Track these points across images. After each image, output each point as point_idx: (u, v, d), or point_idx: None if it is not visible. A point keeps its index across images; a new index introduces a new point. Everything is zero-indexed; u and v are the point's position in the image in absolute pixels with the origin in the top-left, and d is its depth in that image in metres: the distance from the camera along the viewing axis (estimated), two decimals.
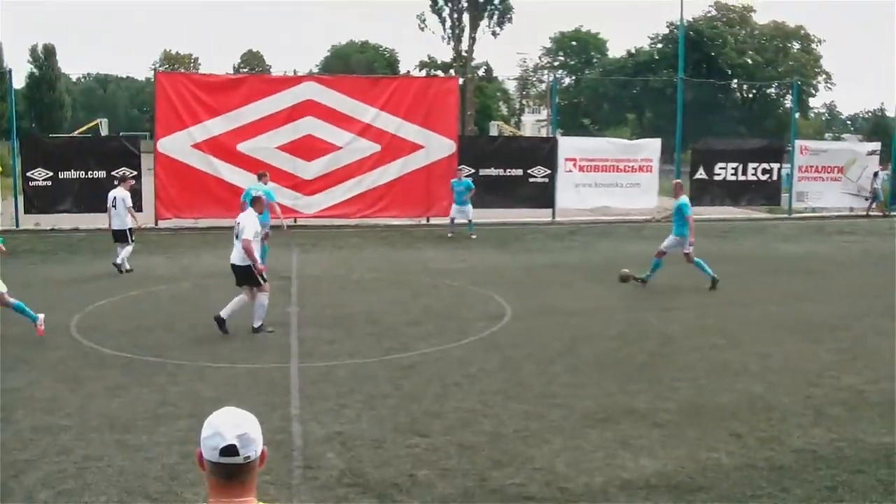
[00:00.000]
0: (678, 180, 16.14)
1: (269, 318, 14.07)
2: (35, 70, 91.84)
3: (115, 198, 19.27)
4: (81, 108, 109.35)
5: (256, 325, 13.64)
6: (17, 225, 26.15)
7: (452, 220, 25.58)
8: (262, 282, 13.52)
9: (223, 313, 13.48)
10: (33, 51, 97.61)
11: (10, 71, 34.73)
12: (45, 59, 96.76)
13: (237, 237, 13.46)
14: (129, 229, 19.43)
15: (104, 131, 56.66)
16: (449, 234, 25.33)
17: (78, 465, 8.20)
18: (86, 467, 8.16)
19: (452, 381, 11.00)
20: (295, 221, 26.96)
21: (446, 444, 8.80)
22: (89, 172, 26.12)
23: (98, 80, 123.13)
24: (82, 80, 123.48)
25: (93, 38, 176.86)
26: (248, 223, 13.43)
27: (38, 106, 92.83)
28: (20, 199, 26.44)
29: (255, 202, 13.89)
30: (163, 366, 11.64)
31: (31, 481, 7.86)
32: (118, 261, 18.83)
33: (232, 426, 3.13)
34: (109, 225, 19.44)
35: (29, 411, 9.75)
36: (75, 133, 34.00)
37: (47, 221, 26.38)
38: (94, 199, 25.43)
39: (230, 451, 3.10)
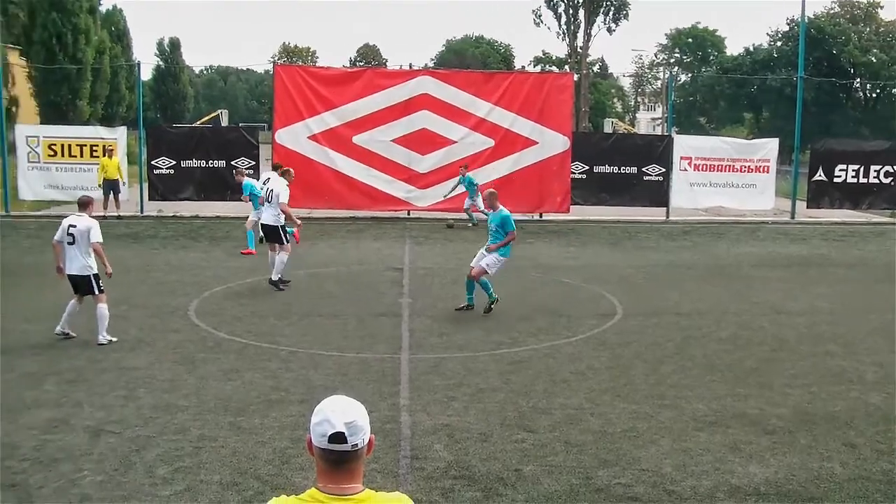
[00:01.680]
0: (492, 190, 14.76)
1: (382, 308, 14.40)
2: (161, 63, 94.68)
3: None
4: (203, 99, 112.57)
5: (274, 278, 15.75)
6: (142, 211, 27.10)
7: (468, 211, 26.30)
8: (285, 242, 15.90)
9: (273, 276, 15.78)
10: (160, 44, 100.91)
11: (138, 64, 36.01)
12: (170, 52, 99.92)
13: (269, 201, 15.98)
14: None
15: (224, 122, 58.11)
16: (470, 225, 25.91)
17: (194, 444, 8.48)
18: (201, 446, 8.44)
19: (561, 378, 10.99)
20: (408, 214, 27.23)
21: (553, 441, 8.80)
22: (210, 162, 26.89)
23: (219, 73, 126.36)
24: (204, 72, 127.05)
25: (215, 31, 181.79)
26: (281, 188, 15.96)
27: (163, 97, 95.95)
28: (145, 186, 27.39)
29: (286, 174, 16.77)
30: (276, 352, 11.93)
31: (150, 457, 8.18)
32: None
33: (340, 414, 3.21)
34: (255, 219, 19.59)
35: (149, 390, 10.15)
36: (197, 123, 35.01)
37: (169, 208, 27.27)
38: (213, 187, 26.13)
39: (338, 438, 3.18)
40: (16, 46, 64.58)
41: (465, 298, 14.63)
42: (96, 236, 12.23)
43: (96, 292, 12.27)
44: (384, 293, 16.24)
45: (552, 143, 27.58)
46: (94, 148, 27.02)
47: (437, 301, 15.43)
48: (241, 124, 52.13)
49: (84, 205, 12.66)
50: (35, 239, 22.46)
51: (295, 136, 26.89)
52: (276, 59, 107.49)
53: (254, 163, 26.89)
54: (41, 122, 52.50)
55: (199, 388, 10.26)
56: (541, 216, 28.15)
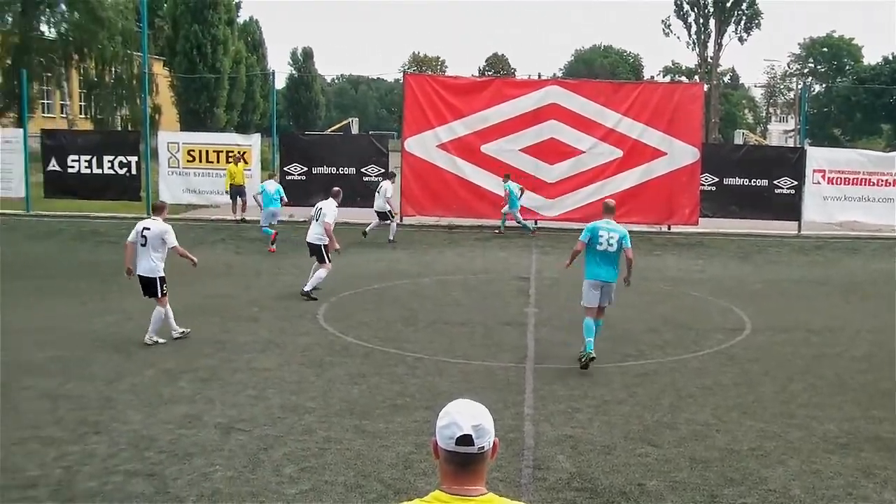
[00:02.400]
0: (610, 200, 13.35)
1: (507, 317, 14.47)
2: (294, 72, 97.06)
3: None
4: (334, 107, 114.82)
5: (307, 289, 15.92)
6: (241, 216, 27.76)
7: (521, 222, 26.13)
8: (327, 261, 16.12)
9: (307, 287, 15.91)
10: (293, 54, 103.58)
11: (272, 73, 37.13)
12: (303, 61, 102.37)
13: (316, 220, 16.15)
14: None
15: (354, 130, 59.11)
16: (531, 234, 25.89)
17: (319, 446, 8.66)
18: (326, 448, 8.61)
19: (687, 393, 10.80)
20: (535, 223, 27.19)
21: (678, 457, 8.65)
22: (340, 168, 27.38)
23: (350, 82, 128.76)
24: (336, 81, 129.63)
25: (347, 42, 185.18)
26: (329, 209, 16.17)
27: (296, 105, 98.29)
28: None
29: (336, 195, 16.77)
30: (402, 358, 12.08)
31: (278, 455, 8.39)
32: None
33: (468, 416, 3.25)
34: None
35: (278, 391, 10.42)
36: (328, 131, 35.69)
37: (301, 213, 27.85)
38: (343, 193, 26.59)
39: (466, 440, 3.21)
40: (160, 57, 67.22)
41: (583, 343, 11.98)
42: (172, 241, 12.72)
43: (159, 295, 12.70)
44: (510, 302, 16.27)
45: (681, 154, 27.13)
46: (230, 154, 27.88)
47: (562, 311, 15.35)
48: (370, 132, 53.01)
49: (158, 209, 13.19)
50: (237, 241, 23.38)
51: (424, 145, 27.17)
52: (406, 68, 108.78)
53: (383, 170, 27.29)
54: (181, 129, 54.50)
55: (325, 391, 10.47)
56: (669, 228, 27.73)
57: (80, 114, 63.64)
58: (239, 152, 27.83)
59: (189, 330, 13.01)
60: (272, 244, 22.22)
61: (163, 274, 12.77)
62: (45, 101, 63.61)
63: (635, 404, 10.27)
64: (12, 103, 52.83)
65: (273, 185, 23.77)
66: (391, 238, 23.75)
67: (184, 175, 28.16)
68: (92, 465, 8.11)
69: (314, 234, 16.20)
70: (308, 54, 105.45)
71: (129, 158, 28.68)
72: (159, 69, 63.34)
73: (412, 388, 10.66)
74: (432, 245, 23.54)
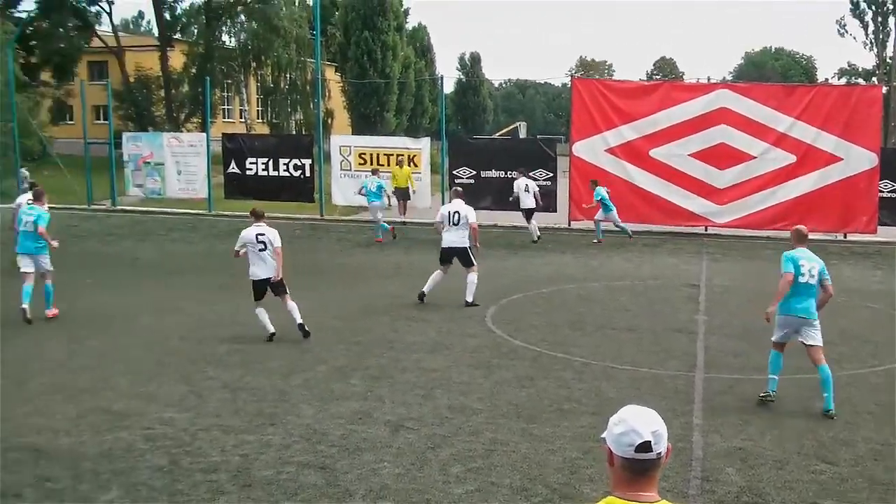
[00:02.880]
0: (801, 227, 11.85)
1: (677, 324, 14.24)
2: (462, 76, 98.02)
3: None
4: (502, 111, 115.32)
5: (469, 299, 15.62)
6: None
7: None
8: (474, 262, 15.79)
9: (468, 298, 15.61)
10: (461, 59, 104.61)
11: (441, 78, 37.60)
12: (471, 66, 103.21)
13: (456, 224, 15.63)
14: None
15: (522, 134, 59.19)
16: (629, 238, 24.94)
17: (486, 447, 8.73)
18: (493, 450, 8.67)
19: (865, 409, 10.33)
20: (706, 230, 26.60)
21: (855, 476, 8.29)
22: (508, 172, 27.46)
23: (518, 86, 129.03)
24: (503, 85, 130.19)
25: (514, 46, 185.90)
26: (471, 211, 15.87)
27: (464, 109, 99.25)
28: (446, 195, 28.40)
29: (462, 195, 16.30)
30: (569, 362, 12.03)
31: (445, 455, 8.51)
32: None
33: (646, 423, 3.24)
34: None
35: (446, 391, 10.56)
36: (496, 135, 35.88)
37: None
38: (511, 197, 26.69)
39: (645, 447, 3.21)
40: (332, 63, 69.09)
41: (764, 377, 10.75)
42: (279, 243, 13.37)
43: (287, 291, 13.30)
44: (679, 309, 15.97)
45: (858, 159, 25.94)
46: (400, 157, 28.39)
47: (733, 319, 14.97)
48: (538, 136, 52.97)
49: (260, 216, 13.73)
50: (344, 242, 24.01)
51: (592, 149, 26.96)
52: (574, 72, 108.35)
53: (552, 174, 27.26)
54: (353, 133, 55.88)
55: (493, 393, 10.53)
56: (845, 236, 26.56)
57: (258, 118, 66.16)
58: (409, 156, 28.33)
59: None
60: (384, 235, 24.23)
61: (280, 275, 13.29)
62: (226, 107, 66.49)
63: (809, 419, 9.90)
64: (197, 109, 55.47)
65: (374, 182, 24.98)
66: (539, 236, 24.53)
67: (355, 178, 28.85)
68: (267, 455, 8.44)
69: (457, 238, 15.75)
70: (476, 59, 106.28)
71: (304, 161, 29.65)
72: (331, 75, 65.17)
73: (579, 393, 10.61)
74: (600, 250, 23.34)
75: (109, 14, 62.27)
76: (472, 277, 15.76)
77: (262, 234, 13.27)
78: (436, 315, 14.90)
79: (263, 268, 13.25)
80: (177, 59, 59.89)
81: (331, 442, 8.81)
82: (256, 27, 57.29)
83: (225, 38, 60.55)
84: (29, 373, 11.26)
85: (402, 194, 27.75)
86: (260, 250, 13.20)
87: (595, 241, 24.42)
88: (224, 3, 58.91)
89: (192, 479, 7.86)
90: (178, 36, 62.79)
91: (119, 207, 32.49)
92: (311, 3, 60.36)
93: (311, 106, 52.88)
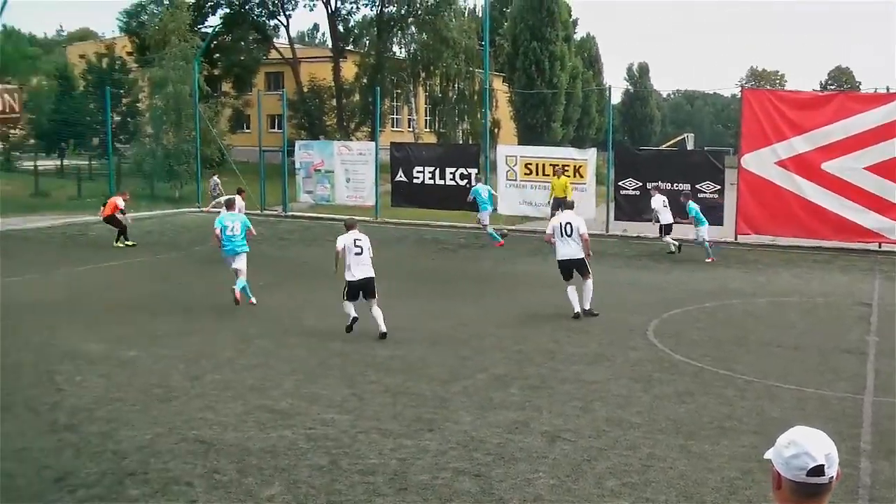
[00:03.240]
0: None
1: (846, 344, 13.69)
2: (630, 87, 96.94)
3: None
4: (669, 122, 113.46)
5: (588, 307, 15.59)
6: (607, 230, 27.86)
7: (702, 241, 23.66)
8: (590, 271, 15.83)
9: (586, 305, 15.58)
10: (629, 69, 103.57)
11: (609, 88, 37.27)
12: (639, 76, 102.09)
13: (569, 235, 15.58)
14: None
15: (689, 145, 57.99)
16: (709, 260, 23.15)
17: (643, 462, 8.57)
18: (650, 465, 8.51)
19: None
20: (879, 247, 25.38)
21: None
22: (675, 184, 26.94)
23: (686, 97, 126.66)
24: (671, 96, 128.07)
25: (683, 56, 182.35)
26: (581, 221, 15.93)
27: (631, 120, 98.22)
28: (611, 206, 28.17)
29: (570, 205, 16.70)
30: (731, 379, 11.69)
31: (601, 468, 8.40)
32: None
33: (818, 445, 3.14)
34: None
35: (604, 404, 10.43)
36: (663, 146, 35.28)
37: (634, 229, 27.78)
38: (673, 209, 26.19)
39: (818, 471, 3.11)
40: (500, 74, 69.49)
41: None
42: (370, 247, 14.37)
43: (376, 296, 13.95)
44: (849, 329, 15.28)
45: None
46: (562, 167, 28.26)
47: None
48: (706, 148, 51.81)
49: (351, 227, 14.41)
50: (509, 251, 24.06)
51: (761, 162, 26.13)
52: (744, 83, 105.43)
53: (719, 187, 26.60)
54: (519, 143, 56.05)
55: (651, 408, 10.35)
56: None
57: (425, 128, 67.20)
58: (574, 166, 28.16)
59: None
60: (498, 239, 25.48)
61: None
62: (395, 116, 67.77)
63: None
64: (366, 118, 56.80)
65: (486, 189, 26.00)
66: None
67: (520, 187, 28.92)
68: (424, 460, 8.54)
69: (573, 249, 15.69)
70: (644, 69, 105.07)
71: (470, 170, 29.90)
72: (499, 85, 65.55)
73: (741, 412, 10.28)
74: (768, 265, 22.59)
75: (287, 27, 64.65)
76: (590, 284, 15.80)
77: (359, 240, 14.17)
78: (597, 327, 14.76)
79: (362, 270, 14.03)
80: (349, 70, 61.56)
81: (487, 450, 8.84)
82: (426, 38, 58.28)
83: (395, 48, 61.90)
84: (202, 369, 11.78)
85: (560, 204, 27.66)
86: (356, 254, 14.01)
87: (707, 259, 23.24)
88: (395, 15, 60.21)
89: (349, 480, 8.03)
90: (350, 47, 64.57)
91: (289, 213, 33.60)
92: (480, 15, 61.02)
93: (479, 116, 53.38)
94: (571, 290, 15.72)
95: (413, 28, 60.46)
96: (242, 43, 61.91)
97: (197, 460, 8.47)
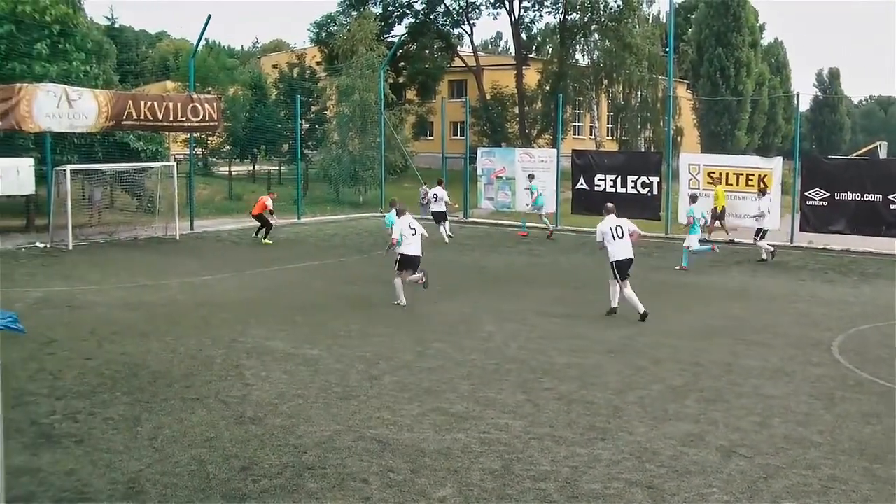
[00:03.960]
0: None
1: None
2: (819, 93, 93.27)
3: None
4: (860, 130, 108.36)
5: (642, 310, 15.75)
6: (791, 241, 26.88)
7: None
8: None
9: (641, 310, 15.76)
10: (818, 75, 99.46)
11: (797, 95, 35.95)
12: (829, 82, 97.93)
13: (621, 237, 15.97)
14: None
15: (882, 154, 55.18)
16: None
17: (823, 484, 8.23)
18: (830, 487, 8.17)
19: None
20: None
21: None
22: (864, 195, 25.71)
23: (879, 103, 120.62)
24: (864, 102, 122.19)
25: (877, 60, 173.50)
26: (630, 222, 16.47)
27: (819, 128, 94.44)
28: (797, 216, 27.16)
29: (612, 210, 16.67)
30: None
31: (778, 487, 8.12)
32: None
33: None
34: None
35: (784, 420, 10.09)
36: (853, 155, 33.78)
37: (820, 240, 26.69)
38: (867, 221, 25.02)
39: None
40: (683, 80, 68.18)
41: None
42: (423, 230, 17.62)
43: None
44: None
45: None
46: (750, 177, 27.45)
47: None
48: None
49: (403, 211, 17.47)
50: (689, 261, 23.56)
51: None
52: None
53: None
54: (702, 151, 54.85)
55: (834, 427, 9.93)
56: None
57: (607, 135, 66.63)
58: (759, 175, 27.30)
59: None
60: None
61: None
62: (576, 124, 67.49)
63: None
64: (548, 125, 56.85)
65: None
66: None
67: (704, 196, 28.26)
68: (596, 469, 8.49)
69: (628, 249, 16.08)
70: (834, 75, 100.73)
71: (651, 178, 29.45)
72: (682, 92, 64.31)
73: None
74: None
75: (471, 36, 65.46)
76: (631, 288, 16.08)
77: (413, 223, 17.31)
78: (778, 340, 14.28)
79: (416, 248, 17.16)
80: (531, 77, 61.75)
81: (660, 462, 8.71)
82: (609, 45, 57.82)
83: (578, 55, 61.67)
84: (380, 370, 12.08)
85: (721, 215, 27.84)
86: (412, 235, 17.12)
87: (677, 267, 22.50)
88: (578, 22, 59.99)
89: (521, 486, 8.08)
90: (533, 54, 64.76)
91: (470, 219, 33.99)
92: (664, 21, 60.04)
93: (661, 123, 52.56)
94: (628, 291, 15.93)
95: (596, 35, 60.12)
96: (427, 51, 63.13)
97: (373, 458, 8.71)
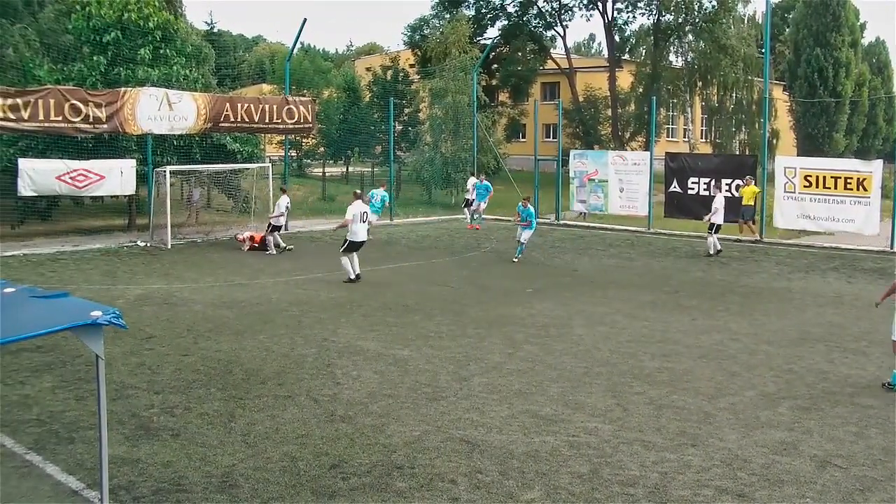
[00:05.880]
0: None
1: None
2: None
3: None
4: None
5: None
6: (892, 247, 26.04)
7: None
8: None
9: None
10: None
11: None
12: None
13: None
14: None
15: None
16: None
17: None
18: None
19: None
20: None
21: None
22: None
23: None
24: None
25: None
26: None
27: None
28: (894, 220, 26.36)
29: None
30: None
31: (875, 500, 7.90)
32: None
33: None
34: None
35: (882, 431, 9.77)
36: None
37: None
38: None
39: None
40: (779, 82, 66.73)
41: None
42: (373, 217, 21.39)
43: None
44: None
45: None
46: (848, 181, 26.71)
47: None
48: None
49: (359, 196, 20.02)
50: (784, 266, 23.06)
51: None
52: None
53: None
54: (798, 154, 53.59)
55: None
56: None
57: (701, 138, 65.59)
58: (858, 179, 26.55)
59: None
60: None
61: None
62: (670, 126, 66.60)
63: None
64: (641, 128, 56.23)
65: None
66: None
67: (799, 200, 27.61)
68: (686, 476, 8.37)
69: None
70: None
71: (753, 184, 28.73)
72: (779, 94, 62.90)
73: None
74: None
75: (563, 38, 65.04)
76: None
77: (366, 212, 20.13)
78: (876, 348, 13.84)
79: (363, 234, 19.76)
80: (624, 79, 61.14)
81: (752, 470, 8.55)
82: (704, 46, 56.84)
83: (672, 57, 60.82)
84: (470, 372, 12.10)
85: (746, 211, 27.95)
86: (361, 222, 19.71)
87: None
88: (672, 24, 59.15)
89: (609, 490, 8.02)
90: (626, 56, 64.10)
91: (562, 222, 33.83)
92: (760, 21, 58.87)
93: (757, 126, 51.49)
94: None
95: (690, 36, 59.17)
96: (520, 53, 62.96)
97: (461, 459, 8.73)
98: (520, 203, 24.09)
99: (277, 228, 25.48)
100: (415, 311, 16.45)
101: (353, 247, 19.83)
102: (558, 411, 10.32)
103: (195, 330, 14.55)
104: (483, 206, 32.88)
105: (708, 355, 13.25)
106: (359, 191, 21.27)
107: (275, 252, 24.63)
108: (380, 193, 29.42)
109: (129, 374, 11.77)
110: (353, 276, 19.76)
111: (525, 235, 23.62)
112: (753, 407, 10.63)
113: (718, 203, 25.27)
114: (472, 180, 34.04)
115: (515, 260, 23.13)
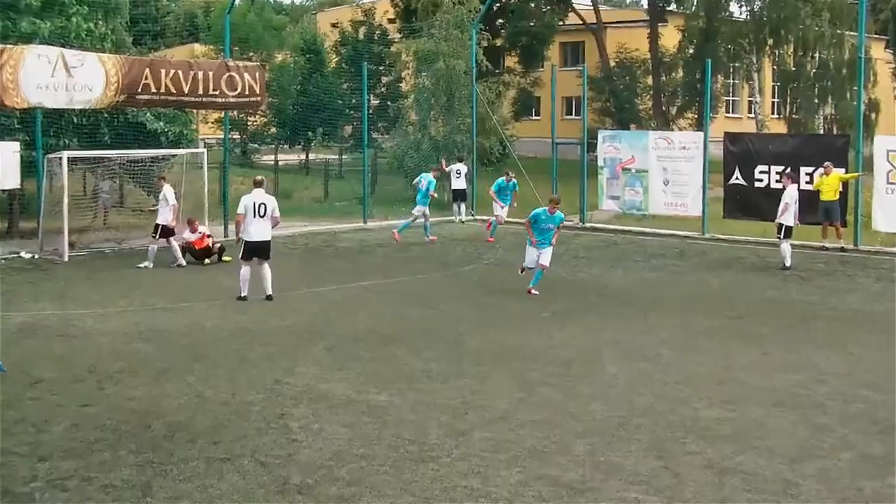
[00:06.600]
0: None
1: None
2: None
3: None
4: None
5: None
6: None
7: None
8: None
9: None
10: None
11: None
12: None
13: None
14: None
15: None
16: None
17: None
18: None
19: None
20: None
21: None
22: None
23: None
24: None
25: None
26: None
27: None
28: None
29: None
30: None
31: None
32: None
33: None
34: None
35: None
36: None
37: None
38: None
39: None
40: (881, 36, 66.54)
41: None
42: (278, 212, 20.12)
43: (269, 258, 20.17)
44: None
45: None
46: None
47: None
48: None
49: (259, 184, 20.10)
50: (886, 282, 22.91)
51: None
52: None
53: None
54: None
55: None
56: None
57: (772, 113, 65.52)
58: None
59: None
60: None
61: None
62: (731, 98, 66.64)
63: None
64: (692, 101, 56.14)
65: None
66: None
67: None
68: None
69: None
70: None
71: (836, 170, 28.38)
72: (880, 53, 63.01)
73: None
74: None
75: None
76: None
77: (266, 202, 19.63)
78: None
79: (262, 232, 19.64)
80: (669, 38, 61.19)
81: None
82: None
83: (733, 7, 60.72)
84: (469, 423, 11.93)
85: (835, 210, 27.68)
86: (260, 216, 19.44)
87: None
88: None
89: None
90: (672, 7, 63.91)
91: (588, 224, 33.67)
92: None
93: (849, 96, 51.40)
94: None
95: None
96: (532, 5, 63.00)
97: None
98: (541, 209, 21.48)
99: (171, 232, 25.05)
100: (395, 343, 16.34)
101: (251, 251, 19.85)
102: (586, 476, 10.14)
103: (100, 371, 14.37)
104: (505, 213, 31.49)
105: (785, 402, 13.09)
106: (260, 177, 21.06)
107: (149, 266, 24.34)
108: (427, 179, 30.14)
109: (4, 434, 11.53)
110: (243, 294, 19.85)
111: (545, 257, 20.93)
112: (852, 474, 10.43)
113: (789, 197, 24.94)
114: (459, 166, 34.49)
115: (522, 275, 22.34)
